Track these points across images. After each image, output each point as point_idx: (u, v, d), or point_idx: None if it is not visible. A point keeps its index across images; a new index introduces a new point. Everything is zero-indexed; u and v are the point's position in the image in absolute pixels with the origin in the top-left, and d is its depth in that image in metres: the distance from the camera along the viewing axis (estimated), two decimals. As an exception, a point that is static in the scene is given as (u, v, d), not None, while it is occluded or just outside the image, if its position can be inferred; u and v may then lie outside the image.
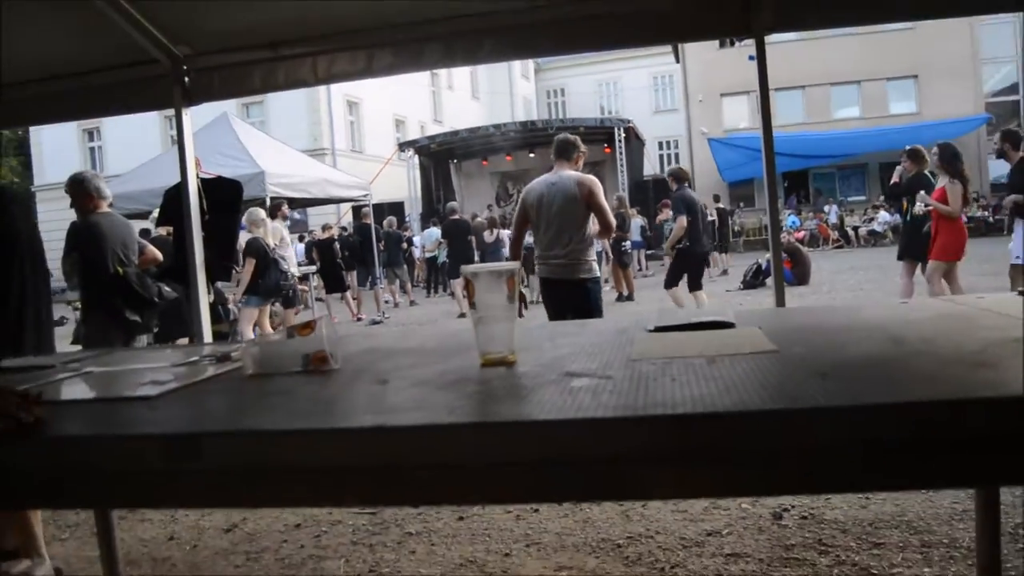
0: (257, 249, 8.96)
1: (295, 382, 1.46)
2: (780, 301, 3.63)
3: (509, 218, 24.51)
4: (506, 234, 16.43)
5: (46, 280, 3.67)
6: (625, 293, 14.58)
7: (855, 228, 26.88)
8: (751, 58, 3.81)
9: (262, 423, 1.16)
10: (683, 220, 9.36)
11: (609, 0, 3.60)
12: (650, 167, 32.09)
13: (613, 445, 0.98)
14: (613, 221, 5.21)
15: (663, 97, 41.59)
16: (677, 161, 39.43)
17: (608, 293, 14.96)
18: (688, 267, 9.57)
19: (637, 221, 19.53)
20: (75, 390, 1.67)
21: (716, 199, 20.52)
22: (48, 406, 1.31)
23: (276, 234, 10.24)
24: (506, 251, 15.47)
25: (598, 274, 5.16)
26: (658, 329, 1.75)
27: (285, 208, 11.10)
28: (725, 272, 18.25)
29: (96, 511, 3.26)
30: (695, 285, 9.51)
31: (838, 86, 31.62)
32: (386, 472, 1.04)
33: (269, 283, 9.14)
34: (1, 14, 3.74)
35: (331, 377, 1.48)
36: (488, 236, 15.44)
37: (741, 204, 27.66)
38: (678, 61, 32.97)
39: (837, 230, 26.76)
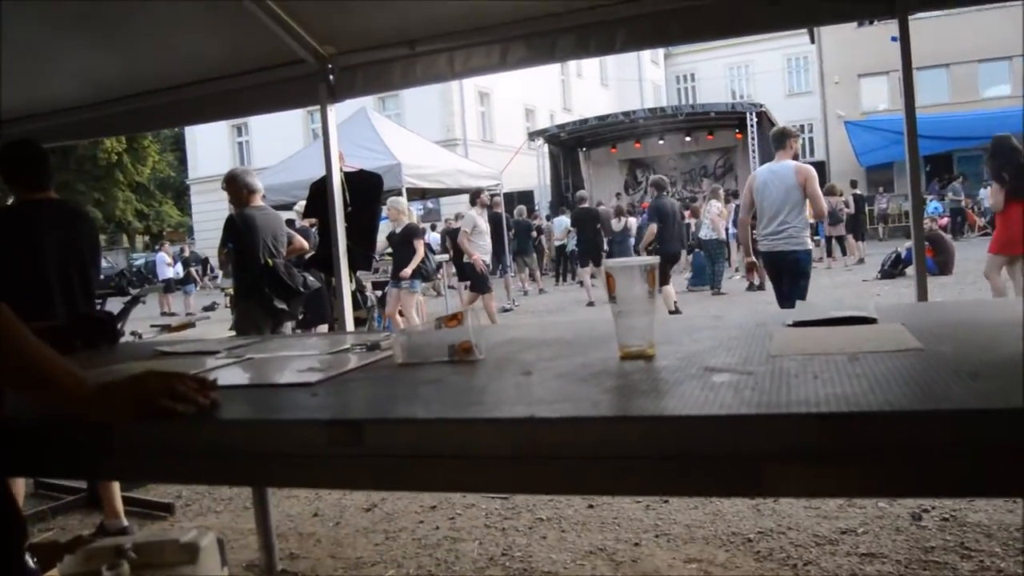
0: (420, 232, 9.29)
1: (443, 371, 1.52)
2: (922, 294, 3.48)
3: (638, 206, 24.32)
4: (634, 222, 16.29)
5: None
6: (756, 282, 14.21)
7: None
8: (893, 39, 3.64)
9: (417, 411, 1.22)
10: (653, 227, 11.25)
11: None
12: (784, 152, 31.14)
13: (755, 442, 0.99)
14: (825, 206, 6.35)
15: (797, 79, 40.21)
16: (811, 145, 38.21)
17: (738, 282, 14.64)
18: (666, 263, 11.08)
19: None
20: (241, 376, 1.79)
21: (853, 184, 19.68)
22: (220, 391, 1.42)
23: (469, 221, 10.60)
24: (633, 240, 15.38)
25: (809, 247, 6.18)
26: (797, 324, 1.72)
27: (484, 195, 11.30)
28: (862, 261, 17.52)
29: (254, 489, 3.47)
30: (664, 279, 10.97)
31: (987, 63, 29.78)
32: (533, 460, 1.08)
33: (429, 267, 9.47)
34: (161, 26, 4.01)
35: (477, 367, 1.54)
36: (616, 224, 15.35)
37: (881, 189, 26.34)
38: (813, 42, 31.73)
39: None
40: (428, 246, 10.09)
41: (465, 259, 10.96)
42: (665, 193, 11.63)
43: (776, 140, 6.38)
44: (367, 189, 5.30)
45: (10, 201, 4.02)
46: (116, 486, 4.20)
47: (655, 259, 1.47)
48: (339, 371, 1.61)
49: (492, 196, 15.69)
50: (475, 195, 11.18)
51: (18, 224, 3.77)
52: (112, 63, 4.45)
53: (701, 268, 15.13)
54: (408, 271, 9.17)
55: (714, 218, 14.11)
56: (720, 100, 33.72)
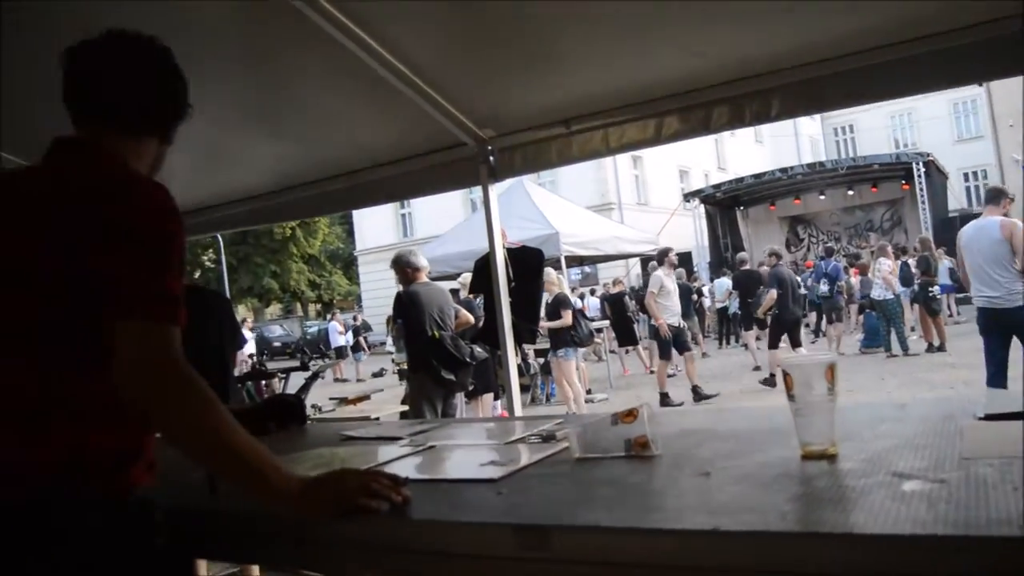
0: (568, 303, 9.39)
1: (622, 469, 1.54)
2: None
3: (801, 264, 23.54)
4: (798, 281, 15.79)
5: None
6: (936, 343, 13.38)
7: None
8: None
9: (601, 518, 1.24)
10: (773, 293, 11.32)
11: (905, 45, 3.38)
12: (955, 202, 29.40)
13: (950, 567, 0.94)
14: None
15: (965, 124, 38.20)
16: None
17: (916, 343, 13.84)
18: (784, 329, 11.24)
19: (945, 263, 17.87)
20: (426, 468, 1.87)
21: None
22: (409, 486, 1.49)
23: (656, 282, 10.58)
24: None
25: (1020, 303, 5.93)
26: (988, 417, 1.63)
27: (672, 255, 11.15)
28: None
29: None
30: (795, 343, 11.18)
31: None
32: (718, 575, 1.07)
33: (581, 334, 9.52)
34: (334, 119, 4.29)
35: (654, 464, 1.55)
36: (779, 285, 14.92)
37: None
38: (981, 84, 30.23)
39: None
40: (582, 312, 10.09)
41: (651, 321, 10.83)
42: (782, 262, 12.26)
43: (990, 197, 6.54)
44: (529, 264, 5.41)
45: None
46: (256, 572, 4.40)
47: (833, 356, 1.45)
48: (519, 466, 1.66)
49: (650, 260, 15.65)
50: (663, 255, 10.99)
51: None
52: (292, 154, 4.79)
53: (874, 329, 14.38)
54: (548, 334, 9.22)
55: (886, 276, 13.41)
56: (882, 151, 32.41)
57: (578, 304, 14.80)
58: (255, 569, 4.49)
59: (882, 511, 1.09)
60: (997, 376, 5.97)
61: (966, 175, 37.13)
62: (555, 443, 1.83)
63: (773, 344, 11.34)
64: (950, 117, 38.14)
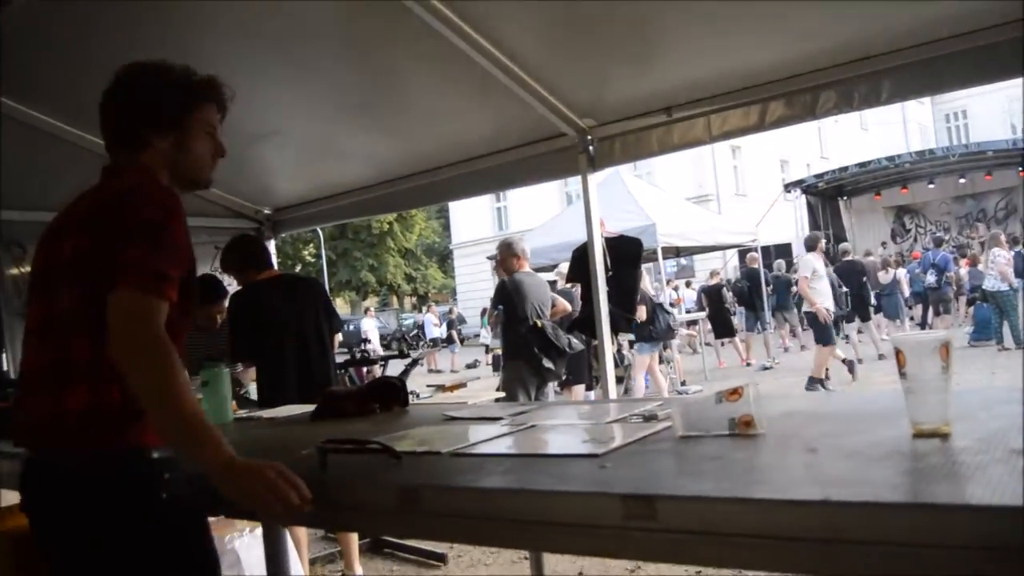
0: (643, 297, 9.30)
1: (725, 446, 1.54)
2: None
3: (907, 256, 22.70)
4: (903, 273, 15.25)
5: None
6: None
7: None
8: None
9: (707, 489, 1.25)
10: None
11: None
12: (1077, 187, 27.87)
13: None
14: None
15: (1087, 109, 36.03)
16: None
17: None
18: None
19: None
20: (530, 444, 1.91)
21: None
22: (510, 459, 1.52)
23: (808, 266, 10.45)
24: (906, 291, 14.39)
25: None
26: (1116, 398, 1.57)
27: (822, 242, 11.15)
28: None
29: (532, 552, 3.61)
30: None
31: None
32: (828, 545, 1.07)
33: (659, 329, 9.44)
34: (436, 111, 4.38)
35: (758, 442, 1.54)
36: (883, 276, 14.47)
37: None
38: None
39: None
40: (660, 306, 9.94)
41: (806, 307, 10.60)
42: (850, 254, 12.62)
43: None
44: (627, 253, 5.41)
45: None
46: (354, 539, 4.54)
47: (948, 333, 1.42)
48: (623, 442, 1.68)
49: (748, 252, 15.38)
50: (814, 241, 10.94)
51: (254, 299, 4.23)
52: (391, 148, 4.90)
53: (986, 321, 13.77)
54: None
55: (1002, 267, 12.79)
56: (997, 137, 30.90)
57: (672, 296, 14.68)
58: (355, 548, 4.64)
59: (1000, 484, 1.07)
60: None
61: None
62: (656, 423, 1.85)
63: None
64: (1070, 100, 36.11)
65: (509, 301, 5.65)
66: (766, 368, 13.53)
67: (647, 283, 10.20)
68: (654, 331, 9.42)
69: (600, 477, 1.43)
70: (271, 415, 3.17)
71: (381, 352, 17.37)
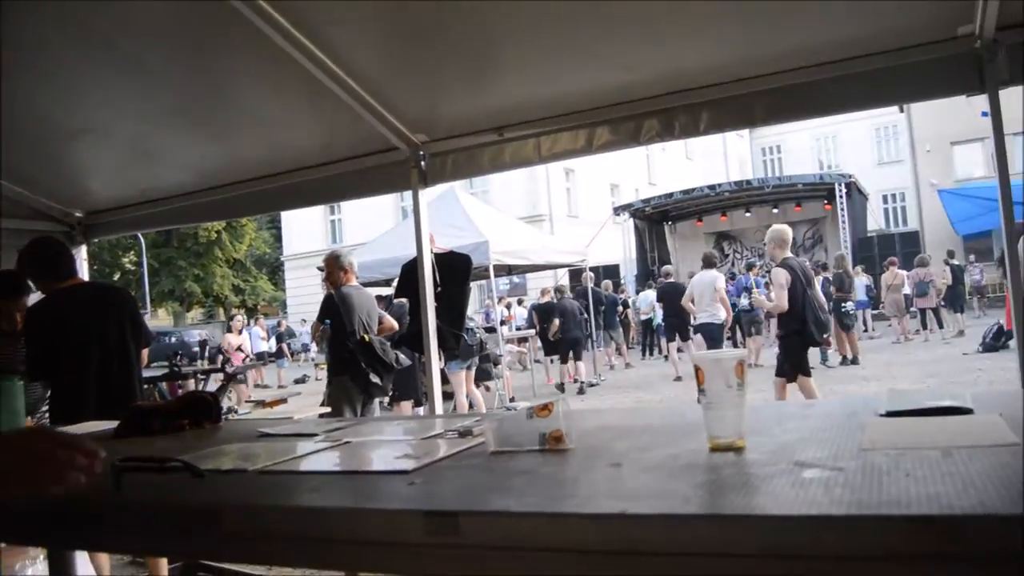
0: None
1: (535, 461, 1.56)
2: None
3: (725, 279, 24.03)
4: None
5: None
6: (849, 356, 13.85)
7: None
8: (984, 114, 3.59)
9: (511, 504, 1.26)
10: (556, 322, 13.44)
11: (830, 66, 3.51)
12: (874, 222, 30.47)
13: (844, 544, 0.99)
14: None
15: (886, 148, 39.54)
16: (903, 214, 37.21)
17: (832, 356, 14.26)
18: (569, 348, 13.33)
19: (862, 280, 18.57)
20: (340, 461, 1.86)
21: (950, 255, 18.93)
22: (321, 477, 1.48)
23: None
24: (722, 315, 15.19)
25: None
26: (890, 414, 1.70)
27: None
28: (961, 333, 16.84)
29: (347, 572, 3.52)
30: (577, 357, 13.27)
31: (1089, 127, 28.52)
32: (626, 557, 1.10)
33: (463, 345, 9.45)
34: (265, 119, 4.25)
35: (567, 457, 1.57)
36: (704, 298, 15.18)
37: (972, 258, 24.60)
38: (902, 111, 31.35)
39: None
40: (471, 329, 10.02)
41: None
42: (566, 296, 14.27)
43: None
44: (456, 270, 5.43)
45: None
46: (163, 563, 4.29)
47: (743, 352, 1.50)
48: (433, 459, 1.66)
49: (579, 272, 15.79)
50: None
51: (52, 310, 3.92)
52: (218, 153, 4.71)
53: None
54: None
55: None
56: (807, 171, 33.37)
57: (504, 314, 14.90)
58: (162, 562, 4.38)
59: (782, 495, 1.13)
60: None
61: (885, 197, 38.36)
62: (471, 438, 1.85)
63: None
64: (872, 141, 39.43)
65: (336, 315, 5.54)
66: (592, 384, 13.92)
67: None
68: (457, 348, 9.44)
69: (407, 494, 1.41)
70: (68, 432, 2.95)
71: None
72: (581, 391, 13.30)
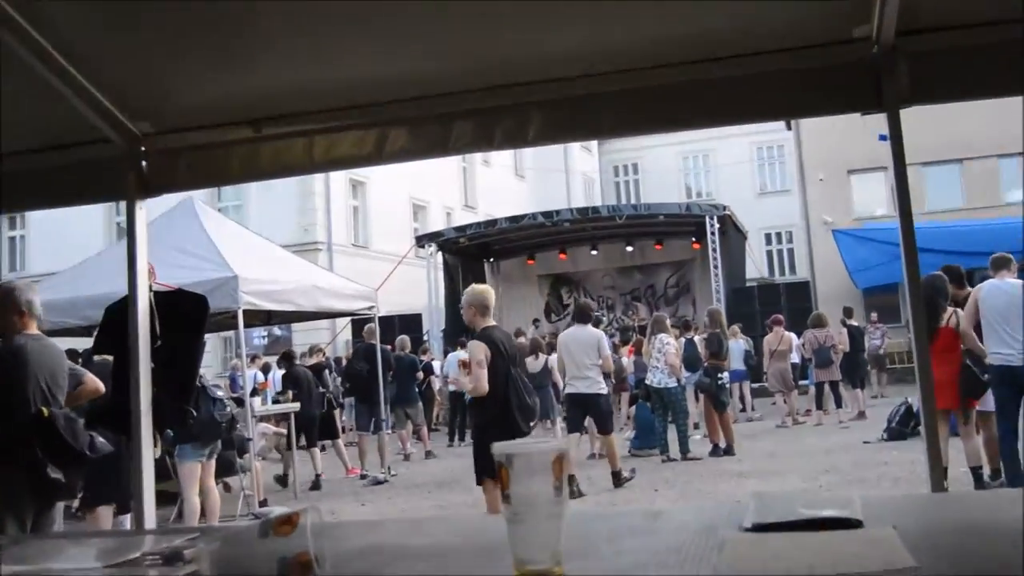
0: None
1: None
2: (936, 478, 3.51)
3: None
4: (555, 360, 16.35)
5: None
6: (722, 444, 14.33)
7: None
8: (882, 138, 3.84)
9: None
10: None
11: (699, 66, 3.65)
12: (755, 268, 32.13)
13: None
14: None
15: (771, 175, 42.14)
16: (790, 259, 39.47)
17: (700, 444, 14.78)
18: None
19: (739, 344, 19.20)
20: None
21: (847, 313, 20.05)
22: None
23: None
24: (560, 383, 15.48)
25: None
26: (756, 528, 1.76)
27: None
28: (862, 415, 17.96)
29: None
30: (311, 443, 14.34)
31: (1008, 158, 31.16)
32: None
33: (202, 421, 9.14)
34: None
35: (317, 593, 1.52)
36: (532, 363, 15.38)
37: (874, 316, 25.47)
38: (789, 128, 33.36)
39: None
40: (205, 389, 9.64)
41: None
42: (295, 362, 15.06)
43: (1000, 264, 9.20)
44: (186, 316, 5.24)
45: None
46: None
47: (563, 443, 1.50)
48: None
49: (365, 324, 15.70)
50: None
51: None
52: None
53: (649, 425, 15.16)
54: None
55: (671, 359, 14.14)
56: (671, 199, 34.87)
57: (259, 379, 14.72)
58: None
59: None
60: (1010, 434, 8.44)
61: (769, 236, 40.67)
62: (182, 566, 1.76)
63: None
64: (753, 165, 41.79)
65: (2, 377, 5.23)
66: (379, 482, 13.81)
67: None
68: (195, 426, 9.05)
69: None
70: None
71: None
72: (316, 486, 13.90)
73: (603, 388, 12.27)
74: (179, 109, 4.16)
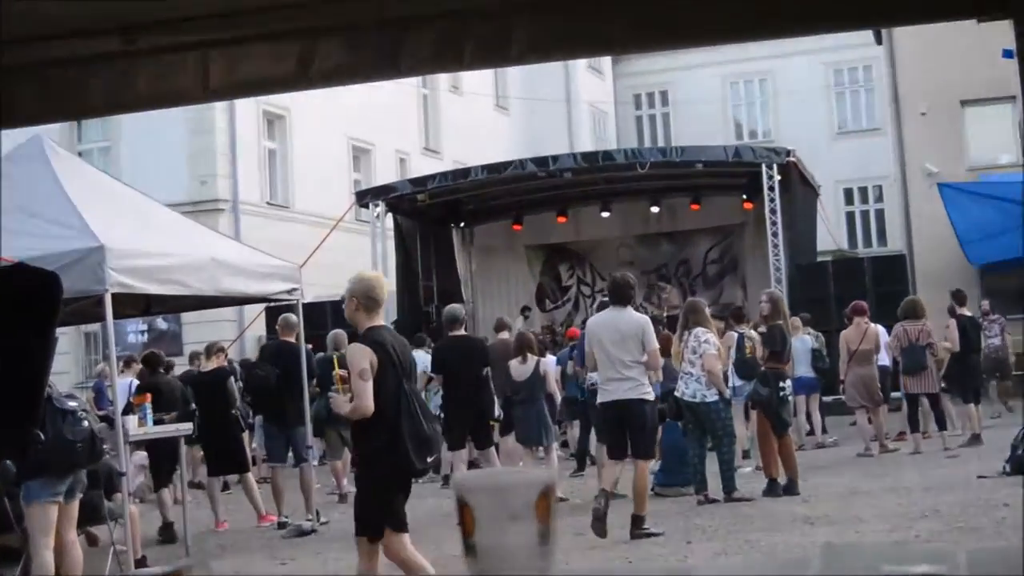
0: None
1: None
2: None
3: (561, 334, 24.36)
4: (551, 363, 16.24)
5: None
6: (782, 480, 14.12)
7: None
8: (1007, 54, 3.85)
9: None
10: None
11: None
12: (830, 237, 31.75)
13: None
14: None
15: (852, 109, 41.75)
16: (879, 225, 39.31)
17: (750, 478, 14.68)
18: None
19: (805, 341, 18.73)
20: None
21: (958, 299, 19.67)
22: None
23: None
24: (557, 396, 15.45)
25: None
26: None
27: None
28: (976, 439, 17.62)
29: None
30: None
31: None
32: None
33: (53, 445, 9.04)
34: None
35: None
36: (518, 367, 15.27)
37: (985, 304, 24.21)
38: (880, 43, 33.02)
39: None
40: (55, 402, 9.61)
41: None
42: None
43: None
44: (28, 303, 5.26)
45: None
46: None
47: (550, 474, 1.52)
48: None
49: (282, 313, 15.63)
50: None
51: None
52: None
53: (678, 453, 15.12)
54: None
55: (710, 361, 13.89)
56: (714, 141, 34.51)
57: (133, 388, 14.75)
58: None
59: None
60: None
61: (849, 193, 40.37)
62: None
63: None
64: (828, 93, 41.38)
65: None
66: (304, 533, 13.77)
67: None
68: (43, 453, 8.95)
69: None
70: None
71: None
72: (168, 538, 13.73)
73: (648, 393, 11.84)
74: (19, 12, 4.17)
